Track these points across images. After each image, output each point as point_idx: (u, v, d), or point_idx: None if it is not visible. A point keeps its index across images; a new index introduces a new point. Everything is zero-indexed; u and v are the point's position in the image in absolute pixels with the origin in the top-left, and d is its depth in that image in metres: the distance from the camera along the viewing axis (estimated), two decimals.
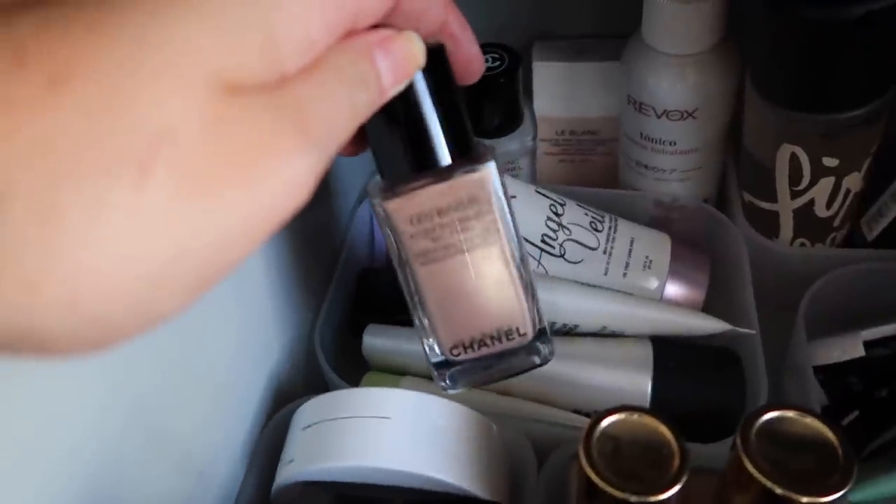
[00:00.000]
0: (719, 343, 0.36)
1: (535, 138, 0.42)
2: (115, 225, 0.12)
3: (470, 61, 0.24)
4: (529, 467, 0.30)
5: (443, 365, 0.28)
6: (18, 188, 0.12)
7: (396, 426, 0.27)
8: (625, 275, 0.39)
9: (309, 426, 0.28)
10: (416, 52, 0.19)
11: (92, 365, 0.21)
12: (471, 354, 0.27)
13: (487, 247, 0.26)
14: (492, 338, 0.27)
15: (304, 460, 0.27)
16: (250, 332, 0.33)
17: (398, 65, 0.18)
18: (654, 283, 0.39)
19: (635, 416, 0.23)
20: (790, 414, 0.22)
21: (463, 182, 0.24)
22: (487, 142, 0.42)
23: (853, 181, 0.34)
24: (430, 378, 0.37)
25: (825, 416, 0.33)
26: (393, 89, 0.18)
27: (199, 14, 0.13)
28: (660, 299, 0.39)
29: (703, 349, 0.36)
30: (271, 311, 0.35)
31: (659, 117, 0.37)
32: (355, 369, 0.38)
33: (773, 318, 0.37)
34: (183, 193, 0.13)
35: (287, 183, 0.14)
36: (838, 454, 0.22)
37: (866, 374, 0.34)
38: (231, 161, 0.13)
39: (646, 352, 0.35)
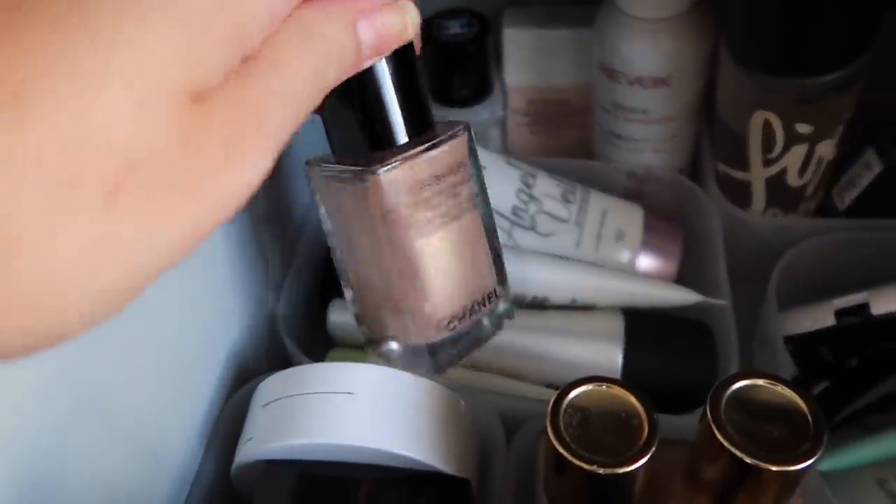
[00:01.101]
0: (692, 314, 0.36)
1: (505, 108, 0.41)
2: (72, 248, 0.11)
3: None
4: (498, 442, 0.29)
5: (418, 353, 0.27)
6: None
7: (360, 402, 0.26)
8: (597, 247, 0.38)
9: (269, 403, 0.27)
10: (407, 27, 0.18)
11: None
12: (462, 325, 0.26)
13: (473, 210, 0.25)
14: (478, 303, 0.26)
15: (264, 438, 0.26)
16: (208, 308, 0.31)
17: (382, 40, 0.17)
18: (626, 255, 0.38)
19: (603, 387, 0.22)
20: (760, 382, 0.22)
21: (452, 146, 0.23)
22: (456, 111, 0.41)
23: (826, 149, 0.34)
24: None
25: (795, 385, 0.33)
26: (368, 62, 0.17)
27: (163, 15, 0.12)
28: (632, 271, 0.38)
29: (674, 321, 0.35)
30: (231, 285, 0.33)
31: (631, 84, 0.37)
32: (322, 346, 0.37)
33: (746, 288, 0.37)
34: (147, 215, 0.12)
35: (241, 188, 0.13)
36: (809, 422, 0.21)
37: (836, 344, 0.34)
38: (191, 177, 0.13)
39: (617, 324, 0.34)
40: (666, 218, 0.40)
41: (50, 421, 0.21)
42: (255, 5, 0.13)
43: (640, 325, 0.35)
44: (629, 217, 0.39)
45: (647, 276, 0.38)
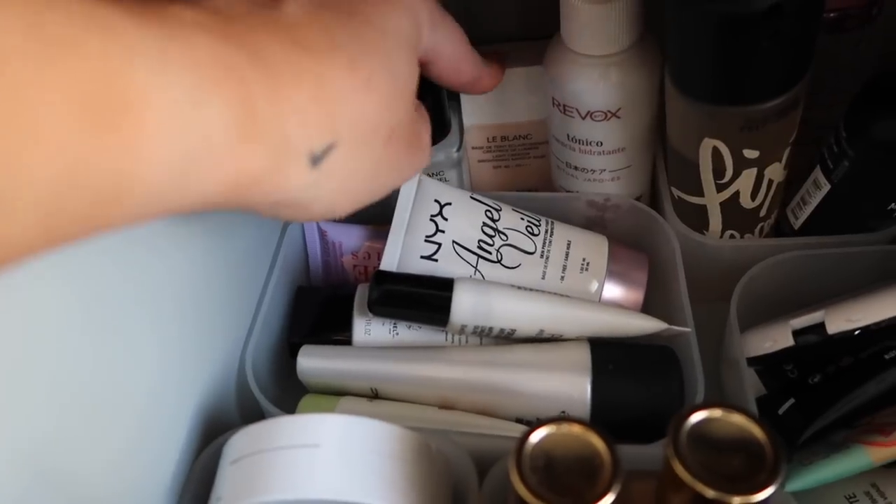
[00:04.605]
0: (657, 340, 0.36)
1: (460, 149, 0.42)
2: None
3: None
4: (471, 482, 0.29)
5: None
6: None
7: (327, 454, 0.26)
8: (562, 278, 0.39)
9: (236, 460, 0.27)
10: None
11: None
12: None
13: None
14: None
15: (232, 497, 0.26)
16: (173, 360, 0.31)
17: None
18: (592, 285, 0.39)
19: (565, 428, 0.22)
20: (718, 413, 0.22)
21: None
22: None
23: (775, 172, 0.35)
24: (369, 397, 0.36)
25: (761, 406, 0.33)
26: None
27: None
28: (599, 301, 0.39)
29: (641, 349, 0.36)
30: (197, 336, 0.33)
31: (583, 118, 0.37)
32: (296, 390, 0.37)
33: (711, 309, 0.38)
34: (399, 153, 0.27)
35: (425, 159, 0.30)
36: (766, 451, 0.22)
37: (801, 362, 0.35)
38: (412, 141, 0.28)
39: (584, 354, 0.35)
40: (631, 246, 0.40)
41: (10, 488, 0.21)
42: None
43: (607, 354, 0.35)
44: (594, 247, 0.40)
45: (614, 305, 0.38)
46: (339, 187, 0.24)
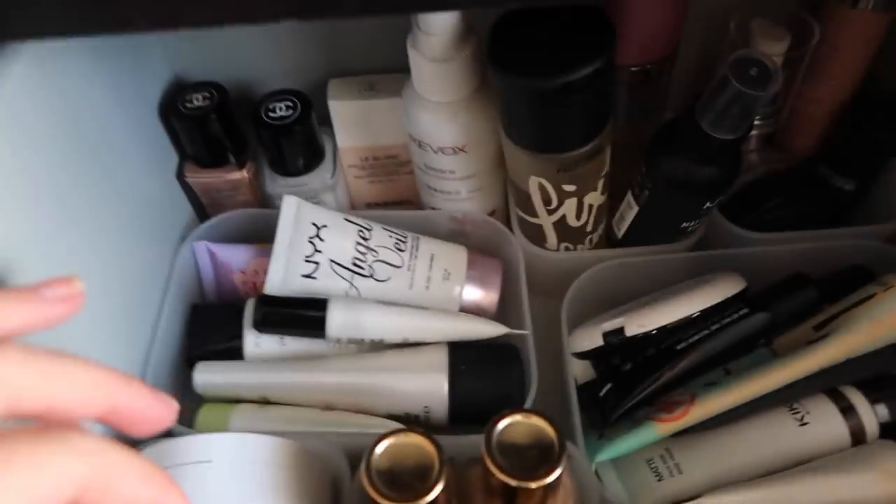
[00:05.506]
0: (505, 339, 0.43)
1: (334, 175, 0.47)
2: None
3: (144, 421, 0.22)
4: (344, 475, 0.36)
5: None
6: None
7: (219, 468, 0.31)
8: (427, 287, 0.45)
9: None
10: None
11: None
12: None
13: None
14: None
15: None
16: None
17: None
18: (454, 291, 0.45)
19: (403, 437, 0.29)
20: (519, 417, 0.29)
21: None
22: (292, 181, 0.47)
23: (593, 198, 0.42)
24: (261, 403, 0.42)
25: (589, 389, 0.41)
26: None
27: None
28: (460, 304, 0.45)
29: (489, 349, 0.43)
30: (96, 354, 0.37)
31: (435, 152, 0.43)
32: (196, 399, 0.42)
33: (554, 309, 0.45)
34: None
35: None
36: (554, 445, 0.29)
37: (623, 353, 0.43)
38: None
39: (442, 357, 0.41)
40: (487, 254, 0.47)
41: None
42: None
43: (461, 355, 0.42)
44: (454, 257, 0.46)
45: (472, 309, 0.45)
46: None
